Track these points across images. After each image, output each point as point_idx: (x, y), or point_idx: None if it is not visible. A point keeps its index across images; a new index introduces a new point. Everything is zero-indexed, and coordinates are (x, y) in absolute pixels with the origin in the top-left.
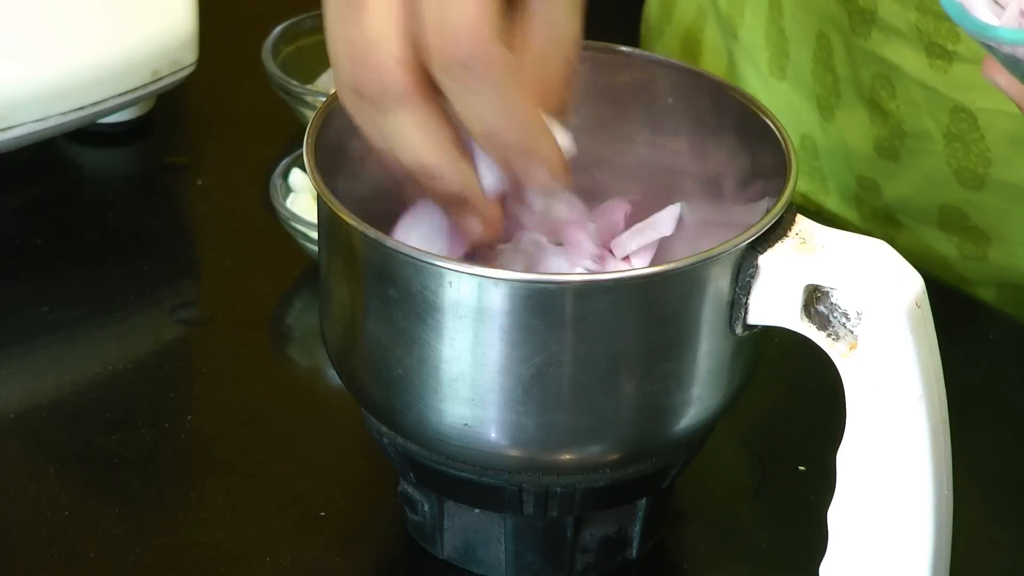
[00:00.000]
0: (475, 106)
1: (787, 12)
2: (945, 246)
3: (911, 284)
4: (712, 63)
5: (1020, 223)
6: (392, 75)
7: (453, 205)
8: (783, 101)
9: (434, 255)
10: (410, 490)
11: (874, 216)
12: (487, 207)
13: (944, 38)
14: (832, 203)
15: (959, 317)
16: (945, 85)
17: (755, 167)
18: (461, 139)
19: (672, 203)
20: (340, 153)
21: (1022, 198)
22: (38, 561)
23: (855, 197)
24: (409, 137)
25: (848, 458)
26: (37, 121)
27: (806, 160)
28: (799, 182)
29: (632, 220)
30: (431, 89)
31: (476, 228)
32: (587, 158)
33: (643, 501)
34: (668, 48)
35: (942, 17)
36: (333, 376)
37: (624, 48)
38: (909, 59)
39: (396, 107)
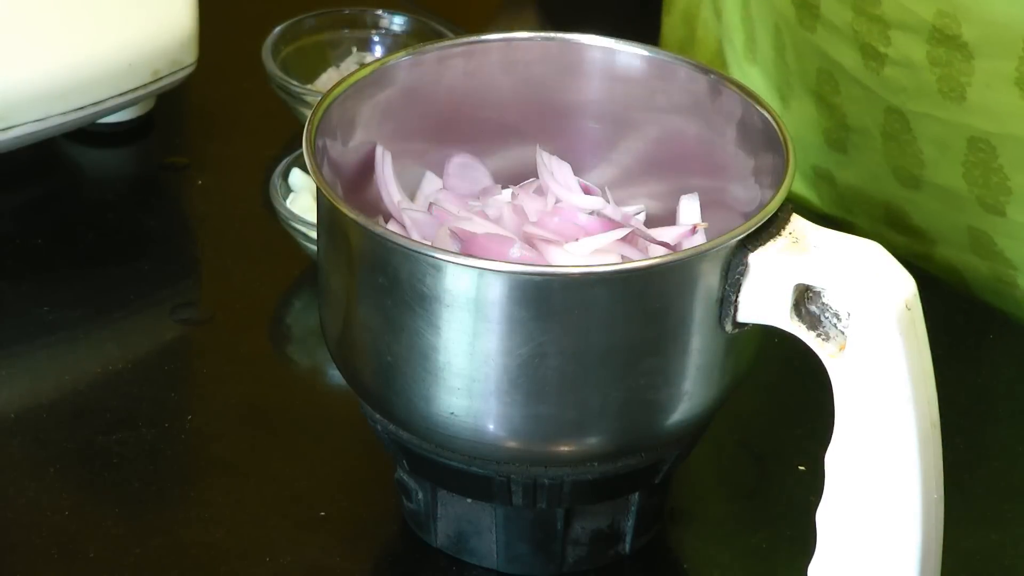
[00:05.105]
0: None
1: (752, 0)
2: (895, 244)
3: (902, 286)
4: (704, 42)
5: (955, 228)
6: None
7: None
8: (754, 85)
9: (422, 244)
10: (405, 477)
11: (833, 204)
12: None
13: (876, 40)
14: (797, 187)
15: (958, 317)
16: (878, 85)
17: (757, 166)
18: None
19: (685, 194)
20: (340, 150)
21: (956, 203)
22: (38, 561)
23: (814, 185)
24: None
25: (837, 459)
26: (37, 121)
27: None
28: None
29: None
30: None
31: None
32: (597, 154)
33: (636, 496)
34: (672, 25)
35: (874, 19)
36: (333, 376)
37: (629, 44)
38: (848, 57)
39: None
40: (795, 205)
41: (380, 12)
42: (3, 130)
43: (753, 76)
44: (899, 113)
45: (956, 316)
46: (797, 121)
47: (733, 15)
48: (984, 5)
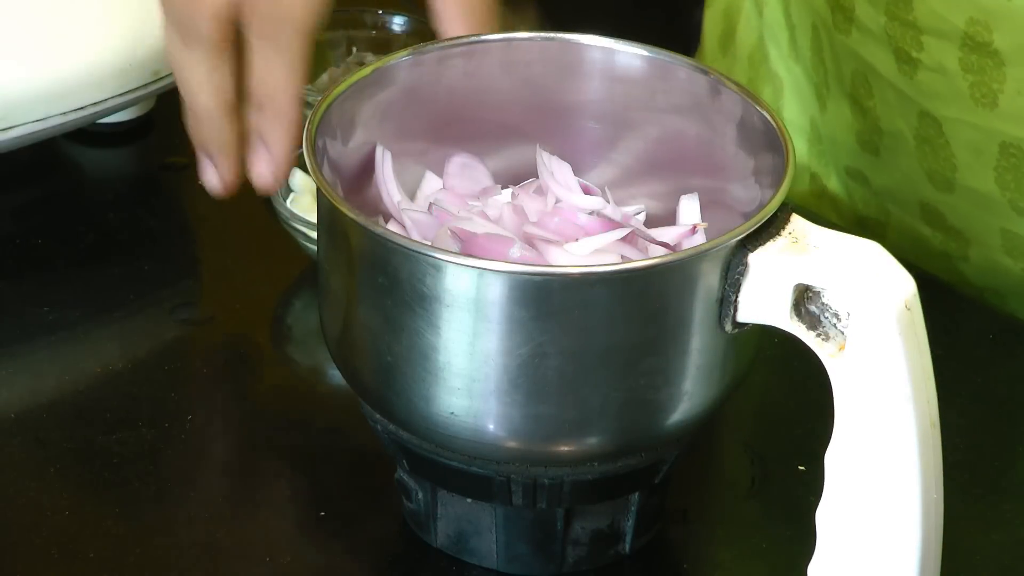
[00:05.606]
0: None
1: (791, 1)
2: (932, 240)
3: (902, 286)
4: (744, 38)
5: (990, 229)
6: (207, 15)
7: (203, 150)
8: (797, 83)
9: (422, 244)
10: (405, 477)
11: (866, 204)
12: (227, 170)
13: (909, 45)
14: (832, 184)
15: (958, 316)
16: (912, 90)
17: (757, 166)
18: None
19: (685, 194)
20: (340, 150)
21: (988, 206)
22: (38, 561)
23: (847, 185)
24: (196, 76)
25: (836, 459)
26: (37, 121)
27: (815, 142)
28: (811, 160)
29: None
30: (234, 44)
31: (212, 181)
32: (597, 154)
33: (635, 496)
34: (713, 19)
35: (907, 24)
36: (333, 376)
37: (629, 44)
38: (882, 61)
39: (197, 46)
40: (832, 201)
41: (380, 12)
42: (3, 130)
43: (797, 74)
44: (932, 118)
45: (956, 316)
46: (833, 122)
47: (776, 12)
48: (1015, 14)
